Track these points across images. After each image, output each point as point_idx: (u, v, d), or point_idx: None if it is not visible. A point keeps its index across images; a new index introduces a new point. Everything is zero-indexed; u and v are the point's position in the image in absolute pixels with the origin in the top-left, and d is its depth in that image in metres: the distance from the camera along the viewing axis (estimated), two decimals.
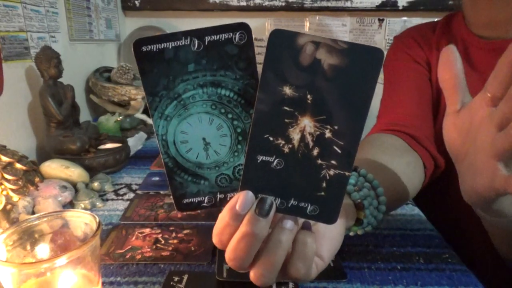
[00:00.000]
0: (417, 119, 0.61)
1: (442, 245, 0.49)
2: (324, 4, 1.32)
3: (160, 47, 0.27)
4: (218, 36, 0.27)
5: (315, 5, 1.32)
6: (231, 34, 0.27)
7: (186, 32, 0.27)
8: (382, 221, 0.44)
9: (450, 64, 0.33)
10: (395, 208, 0.57)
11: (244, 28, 0.27)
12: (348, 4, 1.32)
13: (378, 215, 0.43)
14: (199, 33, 0.27)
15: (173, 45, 0.27)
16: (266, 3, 1.33)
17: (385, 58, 0.72)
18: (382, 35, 1.37)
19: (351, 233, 0.45)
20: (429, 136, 0.61)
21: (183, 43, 0.27)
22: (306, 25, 1.37)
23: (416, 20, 1.31)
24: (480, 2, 0.59)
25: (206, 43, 0.27)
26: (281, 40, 0.26)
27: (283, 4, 1.33)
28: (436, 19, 0.70)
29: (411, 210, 0.59)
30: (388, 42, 1.36)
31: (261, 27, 1.37)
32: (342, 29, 1.37)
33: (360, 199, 0.42)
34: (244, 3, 1.32)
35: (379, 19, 1.35)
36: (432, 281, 0.42)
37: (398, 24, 1.35)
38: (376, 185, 0.44)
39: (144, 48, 0.27)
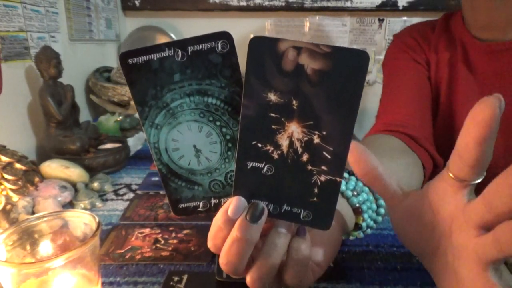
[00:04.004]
0: (416, 119, 0.61)
1: None
2: (324, 4, 1.32)
3: (145, 59, 0.27)
4: (200, 46, 0.27)
5: (315, 5, 1.32)
6: (213, 43, 0.27)
7: (169, 43, 0.27)
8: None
9: (363, 159, 0.30)
10: None
11: (225, 37, 0.27)
12: (348, 4, 1.32)
13: (377, 218, 0.43)
14: (181, 44, 0.27)
15: (158, 56, 0.27)
16: (266, 3, 1.33)
17: (384, 56, 0.72)
18: (382, 35, 1.37)
19: (351, 237, 0.45)
20: (428, 136, 0.61)
21: (167, 54, 0.27)
22: (306, 25, 1.36)
23: (416, 20, 1.30)
24: (478, 5, 0.59)
25: (190, 53, 0.27)
26: (262, 47, 0.26)
27: (283, 4, 1.33)
28: (436, 19, 0.70)
29: None
30: (388, 42, 1.36)
31: (261, 27, 1.37)
32: (342, 29, 1.37)
33: (358, 203, 0.41)
34: (244, 3, 1.32)
35: (379, 19, 1.35)
36: (431, 281, 0.42)
37: (398, 24, 1.35)
38: None
39: (130, 61, 0.27)
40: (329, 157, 0.28)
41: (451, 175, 0.25)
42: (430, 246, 0.28)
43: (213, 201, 0.32)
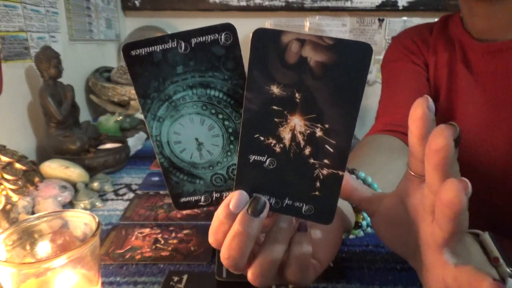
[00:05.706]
0: None
1: None
2: (324, 4, 1.32)
3: (148, 51, 0.27)
4: (204, 38, 0.27)
5: (315, 5, 1.32)
6: (217, 35, 0.27)
7: (172, 35, 0.27)
8: None
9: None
10: None
11: (229, 28, 0.27)
12: (348, 4, 1.32)
13: None
14: (185, 36, 0.27)
15: (161, 48, 0.27)
16: (266, 3, 1.33)
17: (383, 58, 0.72)
18: (382, 35, 1.37)
19: (352, 236, 0.45)
20: None
21: (170, 45, 0.27)
22: (306, 25, 1.37)
23: (416, 20, 1.31)
24: (477, 10, 0.59)
25: (193, 45, 0.27)
26: (265, 39, 0.26)
27: (283, 4, 1.33)
28: (436, 20, 0.71)
29: None
30: (388, 42, 1.36)
31: None
32: (342, 29, 1.37)
33: None
34: (244, 3, 1.33)
35: (379, 19, 1.35)
36: None
37: (398, 24, 1.35)
38: (375, 188, 0.44)
39: (133, 52, 0.27)
40: (331, 150, 0.27)
41: (411, 172, 0.27)
42: (411, 245, 0.29)
43: (214, 195, 0.31)
